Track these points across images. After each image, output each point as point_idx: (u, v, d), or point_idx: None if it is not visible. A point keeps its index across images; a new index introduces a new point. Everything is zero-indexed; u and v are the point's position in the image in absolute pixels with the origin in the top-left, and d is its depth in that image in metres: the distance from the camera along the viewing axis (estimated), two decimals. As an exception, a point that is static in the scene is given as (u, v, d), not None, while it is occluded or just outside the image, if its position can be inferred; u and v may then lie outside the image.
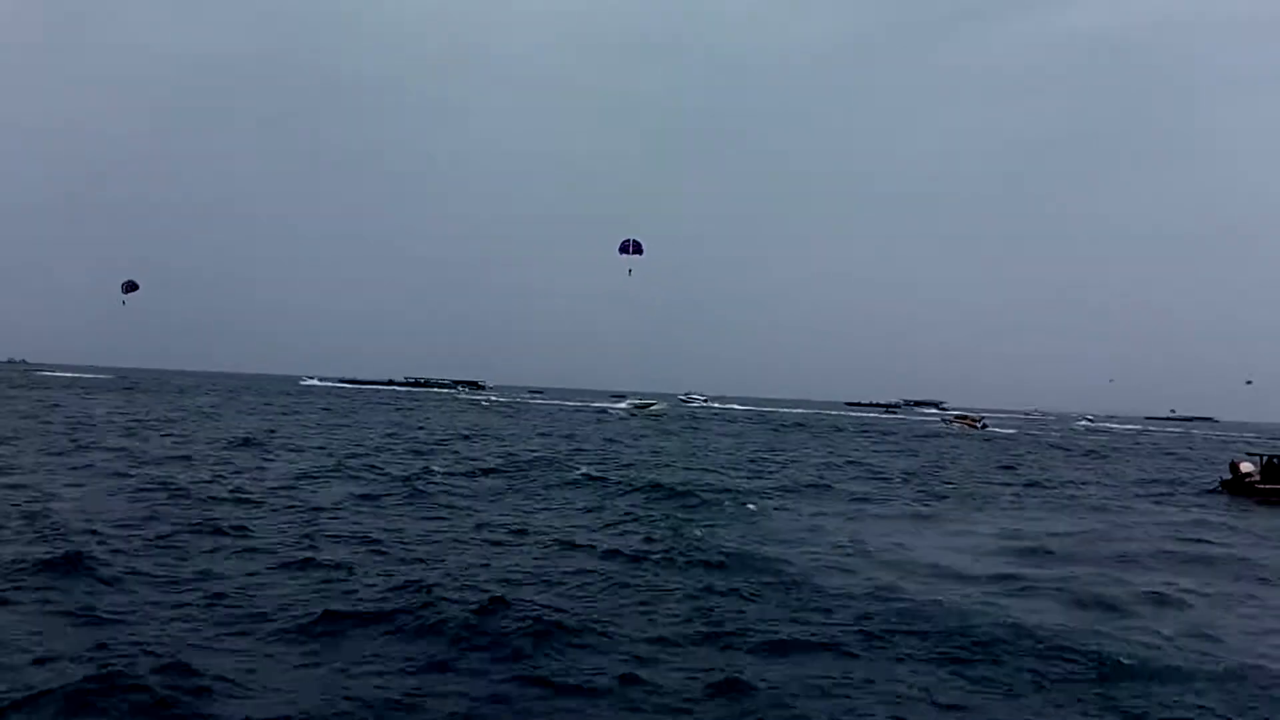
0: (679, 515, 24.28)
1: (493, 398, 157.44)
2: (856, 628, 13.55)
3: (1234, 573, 20.18)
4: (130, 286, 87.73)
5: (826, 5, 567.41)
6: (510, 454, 40.43)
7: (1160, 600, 16.61)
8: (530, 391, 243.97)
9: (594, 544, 19.28)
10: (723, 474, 36.85)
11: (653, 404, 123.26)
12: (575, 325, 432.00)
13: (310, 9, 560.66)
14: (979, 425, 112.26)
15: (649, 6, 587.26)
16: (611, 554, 18.27)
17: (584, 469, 34.60)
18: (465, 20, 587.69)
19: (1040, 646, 12.77)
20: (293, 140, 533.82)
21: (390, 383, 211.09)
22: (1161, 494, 38.47)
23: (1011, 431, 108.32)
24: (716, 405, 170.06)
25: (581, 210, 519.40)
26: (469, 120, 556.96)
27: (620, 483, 30.84)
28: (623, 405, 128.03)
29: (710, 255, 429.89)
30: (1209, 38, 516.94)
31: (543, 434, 59.57)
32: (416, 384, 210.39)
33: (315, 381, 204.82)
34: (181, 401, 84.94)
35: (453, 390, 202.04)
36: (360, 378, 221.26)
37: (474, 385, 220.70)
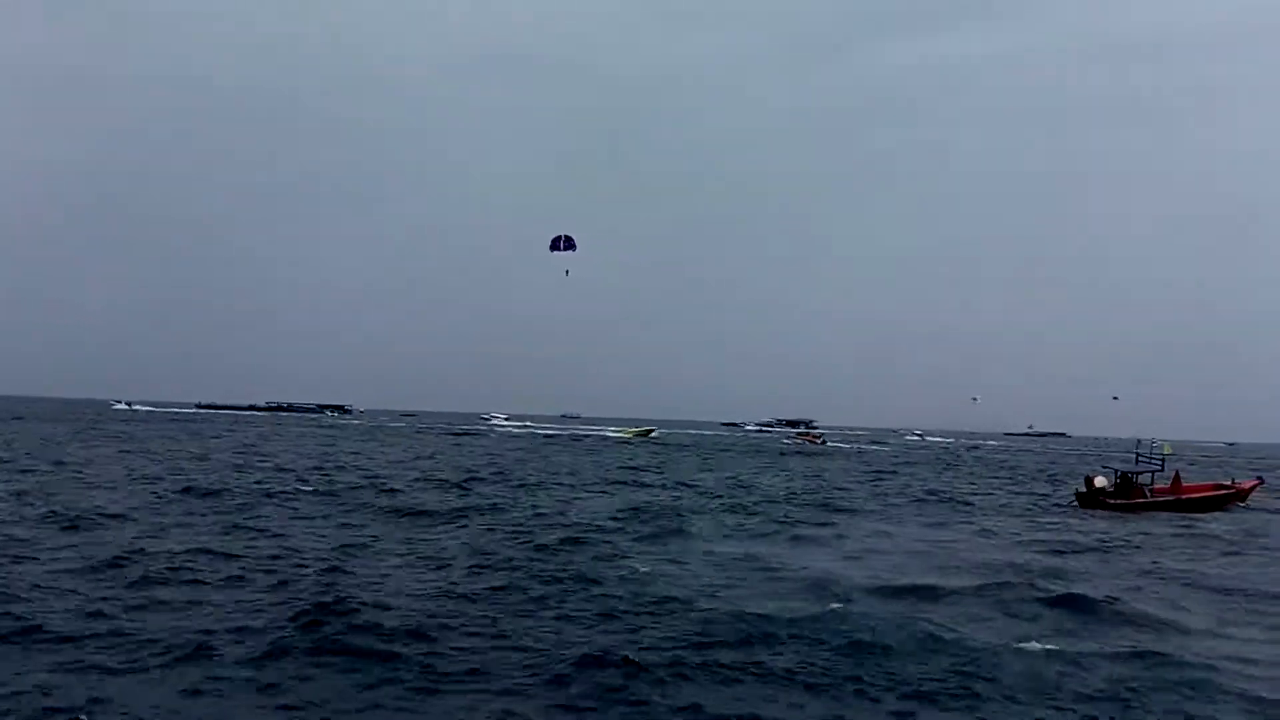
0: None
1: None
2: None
3: None
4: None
5: (706, 26, 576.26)
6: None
7: None
8: (402, 414, 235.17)
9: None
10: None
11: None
12: (434, 346, 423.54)
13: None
14: (819, 442, 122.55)
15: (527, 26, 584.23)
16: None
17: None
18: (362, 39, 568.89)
19: None
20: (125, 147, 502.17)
21: (251, 407, 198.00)
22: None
23: (846, 447, 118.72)
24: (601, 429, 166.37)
25: (443, 232, 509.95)
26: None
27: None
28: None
29: (588, 276, 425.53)
30: (1081, 66, 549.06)
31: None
32: (279, 408, 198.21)
33: (125, 405, 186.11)
34: None
35: (319, 414, 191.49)
36: (214, 401, 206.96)
37: (340, 409, 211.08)
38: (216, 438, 75.86)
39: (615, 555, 20.77)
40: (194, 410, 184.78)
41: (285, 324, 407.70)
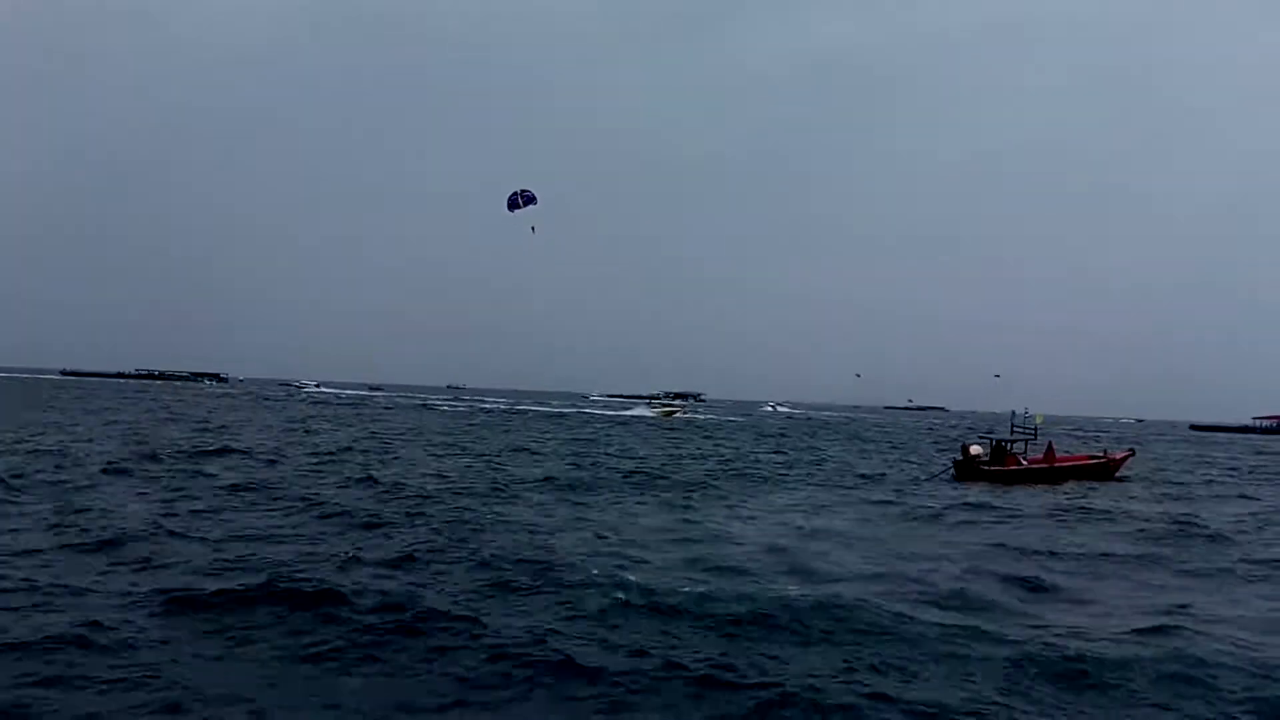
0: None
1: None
2: None
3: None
4: None
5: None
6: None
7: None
8: (280, 384, 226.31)
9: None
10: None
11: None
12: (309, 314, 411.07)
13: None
14: (681, 413, 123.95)
15: None
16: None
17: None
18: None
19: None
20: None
21: (120, 375, 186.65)
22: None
23: (700, 418, 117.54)
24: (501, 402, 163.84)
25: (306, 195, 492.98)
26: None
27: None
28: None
29: (468, 251, 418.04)
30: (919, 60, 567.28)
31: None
32: (150, 376, 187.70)
33: None
34: None
35: (197, 382, 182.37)
36: (78, 368, 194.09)
37: (216, 377, 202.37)
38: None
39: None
40: (58, 377, 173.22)
41: (146, 290, 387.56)
